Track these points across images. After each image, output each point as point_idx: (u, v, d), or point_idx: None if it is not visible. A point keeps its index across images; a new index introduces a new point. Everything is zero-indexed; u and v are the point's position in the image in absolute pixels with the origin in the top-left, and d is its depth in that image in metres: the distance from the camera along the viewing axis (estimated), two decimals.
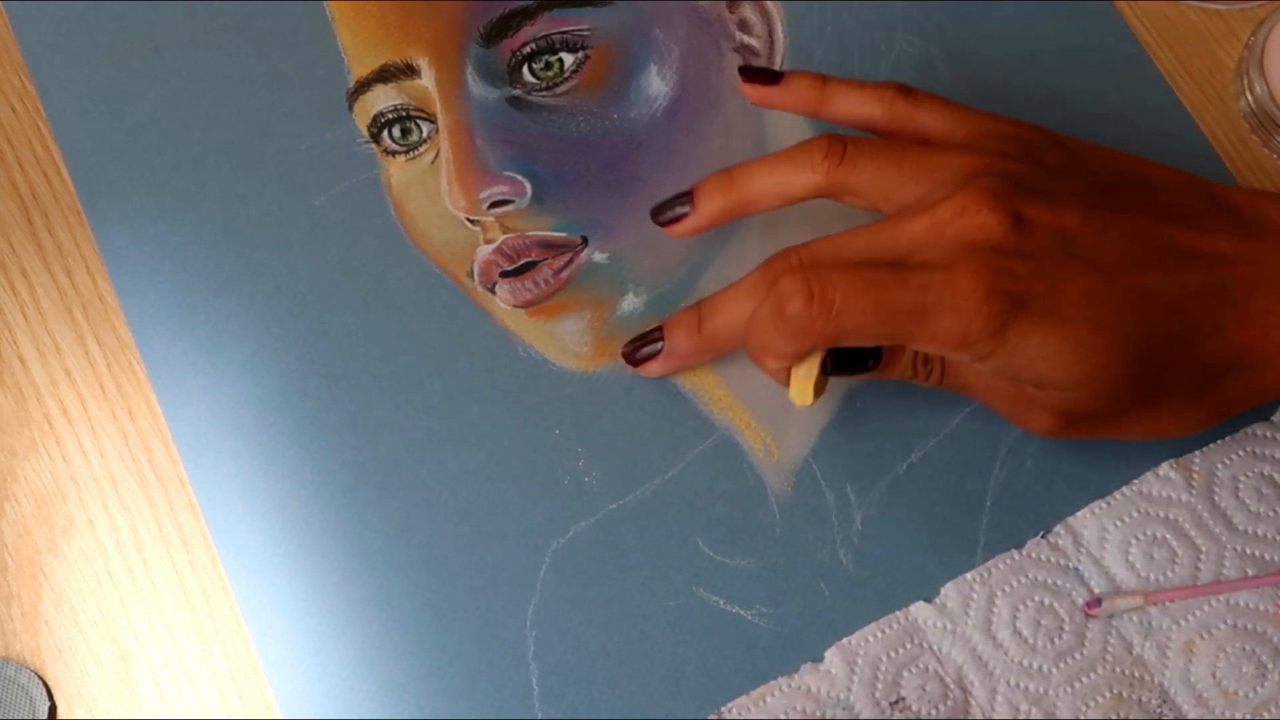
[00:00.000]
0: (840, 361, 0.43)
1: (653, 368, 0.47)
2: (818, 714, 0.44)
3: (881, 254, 0.41)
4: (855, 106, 0.45)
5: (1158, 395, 0.42)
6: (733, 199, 0.45)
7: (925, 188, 0.42)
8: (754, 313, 0.42)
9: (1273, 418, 0.47)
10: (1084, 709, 0.44)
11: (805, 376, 0.42)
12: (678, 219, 0.46)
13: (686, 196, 0.45)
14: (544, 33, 0.51)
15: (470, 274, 0.50)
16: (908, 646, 0.45)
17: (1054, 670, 0.44)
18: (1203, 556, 0.45)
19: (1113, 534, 0.46)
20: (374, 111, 0.51)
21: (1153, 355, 0.41)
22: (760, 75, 0.46)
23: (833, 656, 0.45)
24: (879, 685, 0.44)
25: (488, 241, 0.50)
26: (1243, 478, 0.46)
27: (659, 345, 0.47)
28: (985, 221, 0.40)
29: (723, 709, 0.44)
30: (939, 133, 0.44)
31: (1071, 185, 0.42)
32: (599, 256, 0.50)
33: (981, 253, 0.39)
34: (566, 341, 0.49)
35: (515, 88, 0.51)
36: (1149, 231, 0.41)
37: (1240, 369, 0.42)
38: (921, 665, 0.45)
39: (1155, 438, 0.45)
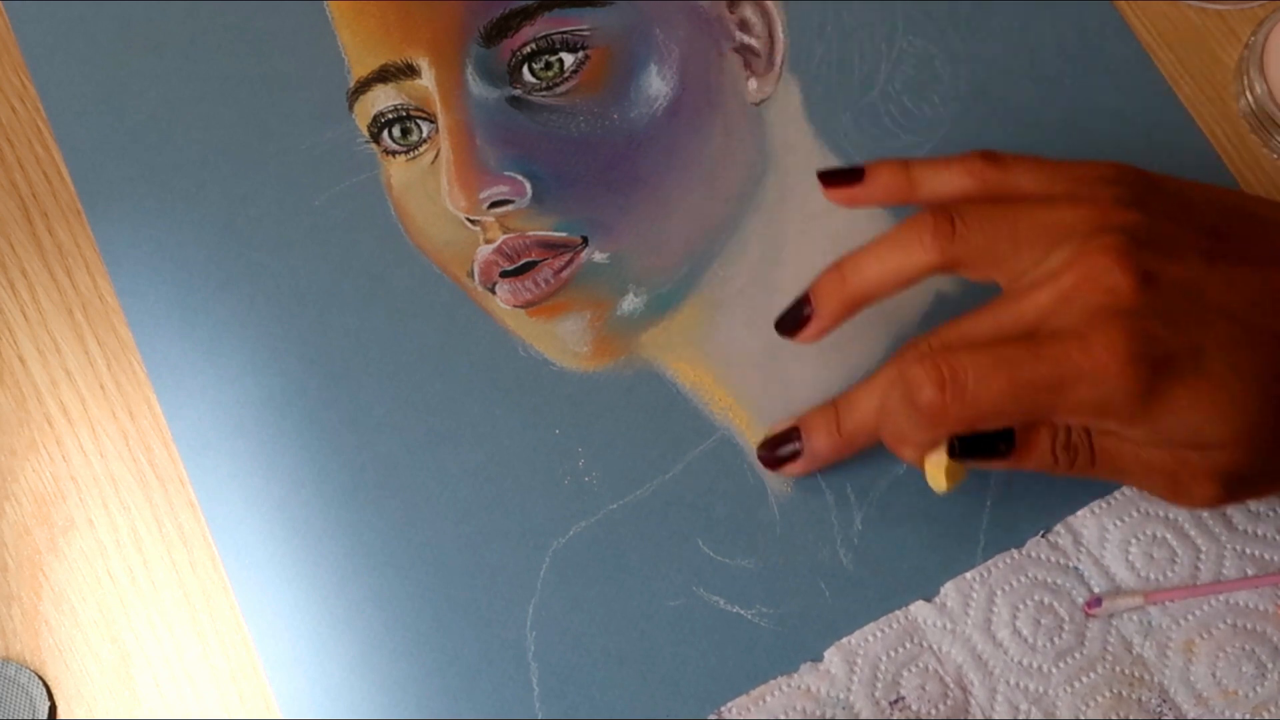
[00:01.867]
0: (968, 447, 0.41)
1: (794, 469, 0.46)
2: (817, 713, 0.44)
3: (1009, 330, 0.40)
4: (945, 185, 0.43)
5: None
6: (848, 294, 0.43)
7: (1041, 250, 0.40)
8: (884, 403, 0.41)
9: None
10: (1084, 708, 0.44)
11: (937, 464, 0.42)
12: (803, 324, 0.44)
13: (804, 300, 0.44)
14: (544, 33, 0.51)
15: (470, 274, 0.50)
16: (907, 646, 0.45)
17: (1054, 669, 0.44)
18: (1203, 556, 0.45)
19: (1113, 533, 0.46)
20: (374, 111, 0.51)
21: None
22: (842, 177, 0.45)
23: (832, 656, 0.45)
24: (879, 685, 0.44)
25: (488, 241, 0.50)
26: None
27: (797, 445, 0.46)
28: (1115, 284, 0.39)
29: (722, 709, 0.44)
30: (1035, 192, 0.42)
31: (1185, 231, 0.40)
32: (599, 256, 0.50)
33: (1115, 316, 0.38)
34: (567, 341, 0.49)
35: (515, 88, 0.51)
36: (1270, 275, 0.40)
37: None
38: (921, 665, 0.45)
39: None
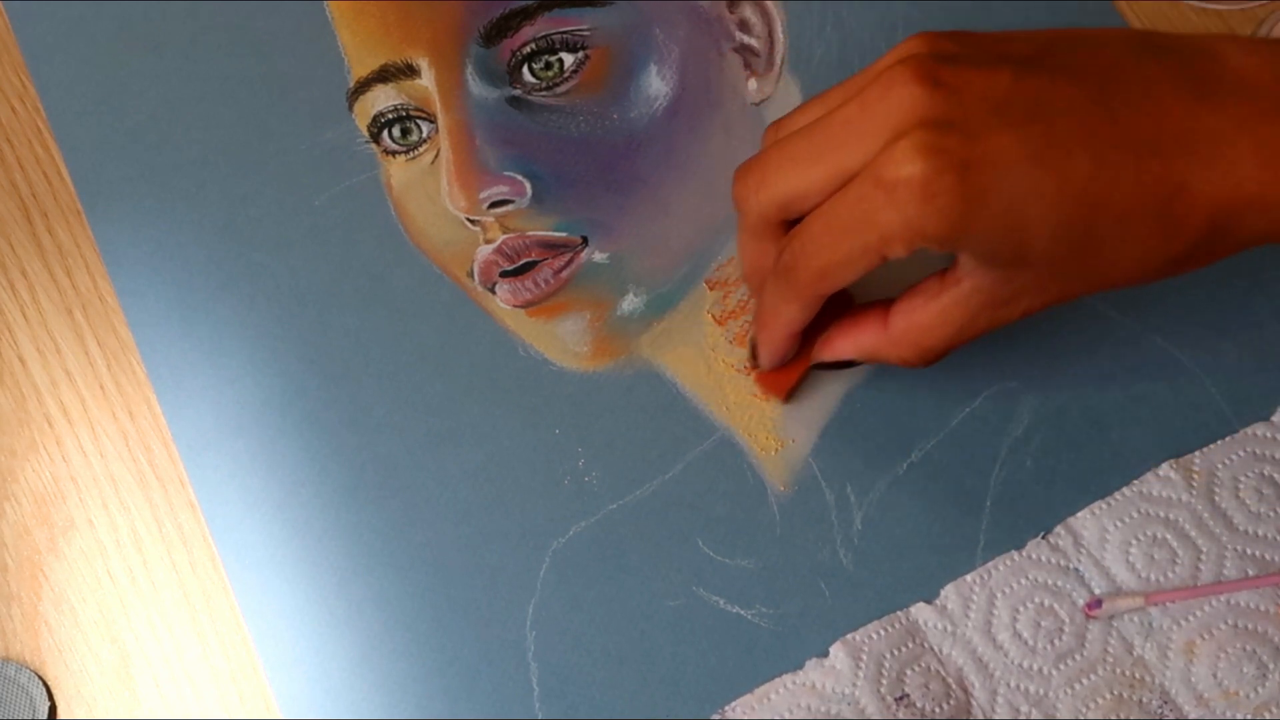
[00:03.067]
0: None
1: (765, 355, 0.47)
2: (823, 710, 0.44)
3: (823, 149, 0.39)
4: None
5: (1105, 241, 0.39)
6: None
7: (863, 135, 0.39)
8: (766, 293, 0.43)
9: (1273, 418, 0.47)
10: (1084, 710, 0.44)
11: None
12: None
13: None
14: (544, 33, 0.51)
15: (470, 274, 0.50)
16: (909, 646, 0.45)
17: (1054, 672, 0.44)
18: (1203, 557, 0.45)
19: (1113, 534, 0.46)
20: (374, 111, 0.51)
21: (1114, 203, 0.38)
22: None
23: (837, 651, 0.45)
24: (884, 681, 0.44)
25: (488, 241, 0.50)
26: (1243, 478, 0.46)
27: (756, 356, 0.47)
28: (908, 94, 0.37)
29: (726, 709, 0.44)
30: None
31: (1002, 53, 0.39)
32: (599, 256, 0.50)
33: (913, 131, 0.37)
34: (566, 341, 0.49)
35: (515, 88, 0.51)
36: (1092, 91, 0.38)
37: (1214, 227, 0.39)
38: (923, 665, 0.45)
39: (1116, 284, 0.41)
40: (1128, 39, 0.40)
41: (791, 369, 0.46)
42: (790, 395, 0.47)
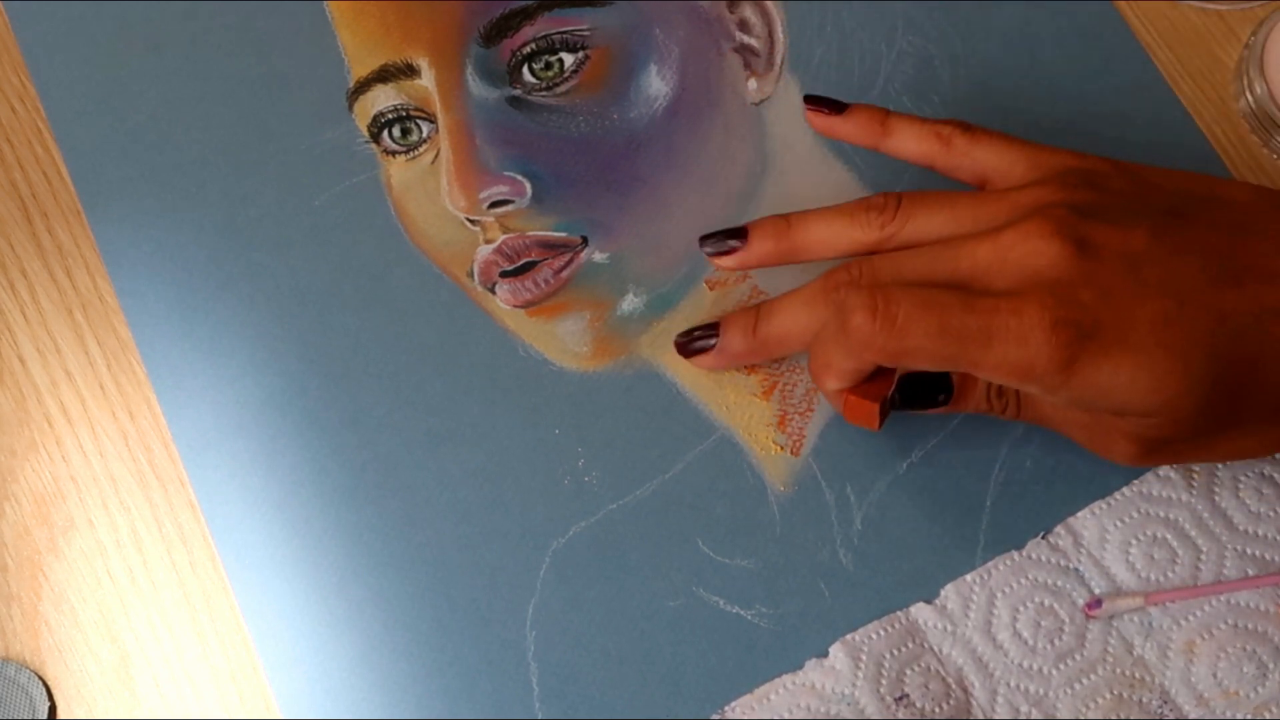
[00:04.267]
0: (910, 396, 0.43)
1: (704, 361, 0.47)
2: (822, 710, 0.44)
3: (941, 274, 0.41)
4: (914, 142, 0.45)
5: (1239, 418, 0.41)
6: (785, 244, 0.45)
7: (982, 228, 0.41)
8: (819, 331, 0.42)
9: None
10: (1084, 710, 0.44)
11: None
12: (728, 251, 0.46)
13: (740, 232, 0.46)
14: (544, 33, 0.51)
15: (470, 274, 0.50)
16: (909, 646, 0.45)
17: (1054, 672, 0.44)
18: (1203, 557, 0.45)
19: (1113, 534, 0.46)
20: (374, 111, 0.51)
21: (1232, 377, 0.39)
22: (825, 104, 0.47)
23: (837, 651, 0.45)
24: (884, 681, 0.44)
25: (488, 241, 0.50)
26: (1243, 478, 0.46)
27: (712, 341, 0.47)
28: (1048, 248, 0.39)
29: (726, 709, 0.44)
30: (997, 169, 0.44)
31: (1139, 209, 0.41)
32: (599, 256, 0.50)
33: (1047, 282, 0.39)
34: (566, 341, 0.49)
35: (515, 88, 0.51)
36: (1222, 250, 0.40)
37: None
38: (923, 665, 0.45)
39: (1240, 459, 0.44)
40: (1261, 199, 0.42)
41: (874, 393, 0.43)
42: (881, 423, 0.44)
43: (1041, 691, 0.44)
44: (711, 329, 0.47)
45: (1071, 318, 0.38)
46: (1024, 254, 0.39)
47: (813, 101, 0.47)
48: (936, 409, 0.44)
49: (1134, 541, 0.46)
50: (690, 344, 0.47)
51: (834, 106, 0.46)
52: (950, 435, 0.47)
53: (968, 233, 0.41)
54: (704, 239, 0.46)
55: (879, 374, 0.42)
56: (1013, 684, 0.44)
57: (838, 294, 0.42)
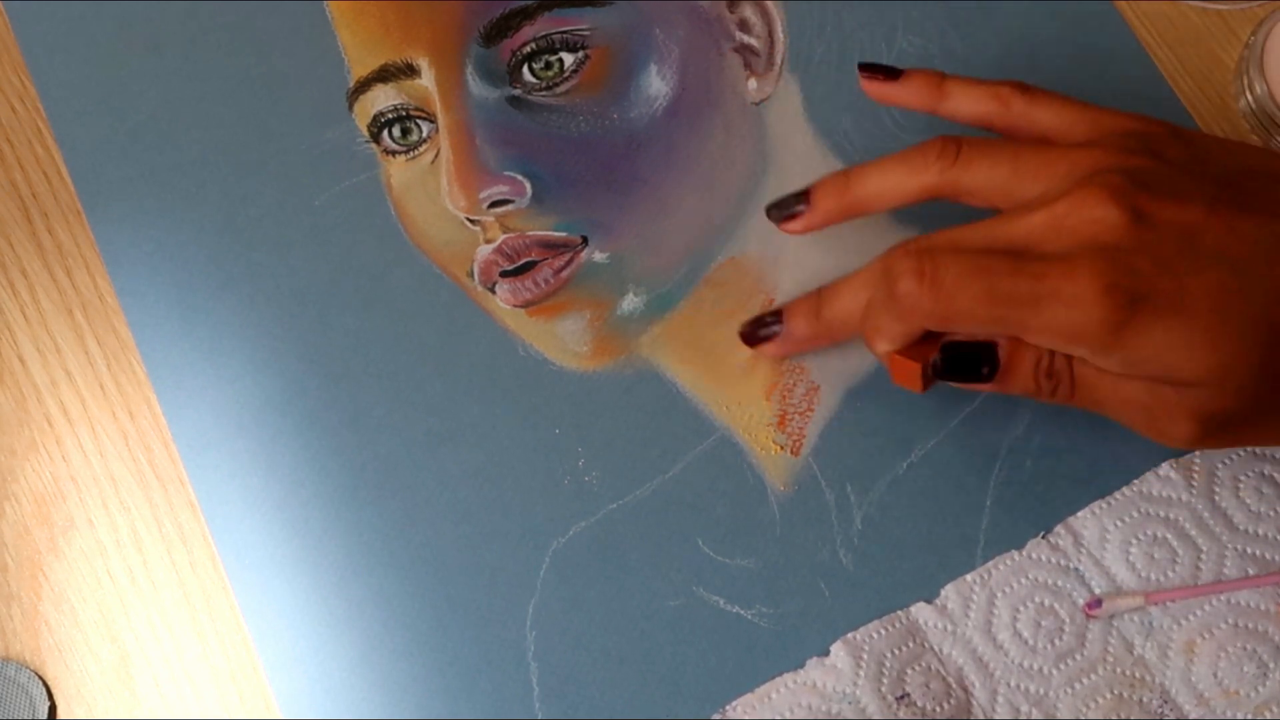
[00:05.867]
0: (954, 366, 0.42)
1: (769, 349, 0.48)
2: (823, 709, 0.44)
3: (998, 246, 0.40)
4: (972, 104, 0.45)
5: None
6: (848, 199, 0.45)
7: (1043, 185, 0.41)
8: (870, 297, 0.42)
9: None
10: (1085, 710, 0.44)
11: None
12: (794, 216, 0.46)
13: (803, 195, 0.45)
14: (544, 32, 0.51)
15: (470, 274, 0.50)
16: (910, 645, 0.45)
17: (1054, 671, 0.44)
18: (1203, 556, 0.45)
19: (1113, 534, 0.46)
20: (374, 111, 0.51)
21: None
22: (880, 71, 0.46)
23: (838, 650, 0.45)
24: (885, 680, 0.44)
25: (488, 241, 0.50)
26: (1243, 477, 0.46)
27: (777, 328, 0.47)
28: (1105, 216, 0.39)
29: (727, 708, 0.44)
30: (1057, 130, 0.43)
31: (1196, 180, 0.41)
32: (599, 256, 0.50)
33: (1102, 248, 0.39)
34: (566, 341, 0.49)
35: (515, 88, 0.51)
36: (1277, 225, 0.40)
37: None
38: (924, 664, 0.45)
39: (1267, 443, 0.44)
40: None
41: (919, 355, 0.43)
42: (926, 386, 0.43)
43: (1042, 691, 0.44)
44: (775, 316, 0.47)
45: (1125, 283, 0.38)
46: (1080, 221, 0.39)
47: (867, 69, 0.46)
48: (982, 384, 0.43)
49: (1134, 541, 0.46)
50: (755, 332, 0.47)
51: (889, 73, 0.46)
52: (950, 435, 0.47)
53: (1027, 188, 0.41)
54: (770, 207, 0.46)
55: (929, 338, 0.42)
56: (1013, 684, 0.44)
57: (889, 258, 0.42)
